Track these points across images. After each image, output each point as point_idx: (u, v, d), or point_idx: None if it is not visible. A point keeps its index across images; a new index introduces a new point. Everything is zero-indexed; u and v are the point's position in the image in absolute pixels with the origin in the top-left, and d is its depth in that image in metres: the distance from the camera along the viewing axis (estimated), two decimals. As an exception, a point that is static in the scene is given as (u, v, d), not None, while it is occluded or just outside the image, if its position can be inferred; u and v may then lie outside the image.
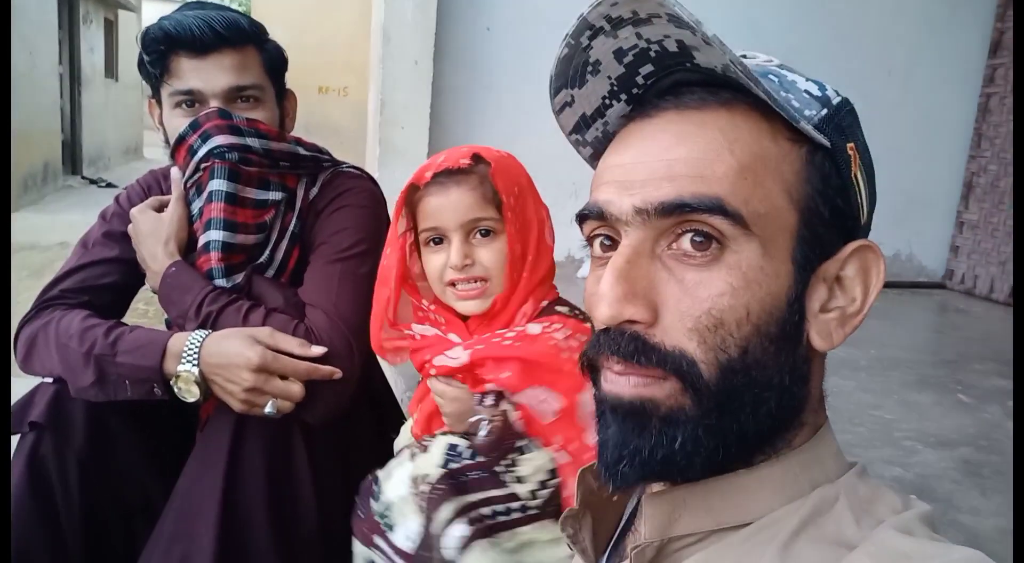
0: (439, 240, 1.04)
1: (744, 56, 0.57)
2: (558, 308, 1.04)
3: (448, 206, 1.01)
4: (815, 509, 0.50)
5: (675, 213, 0.50)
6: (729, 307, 0.49)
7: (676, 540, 0.54)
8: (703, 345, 0.50)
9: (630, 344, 0.51)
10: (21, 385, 1.31)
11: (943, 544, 0.45)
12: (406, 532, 0.94)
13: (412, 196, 1.05)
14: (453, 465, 0.95)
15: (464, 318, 1.08)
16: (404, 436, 1.15)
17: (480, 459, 0.96)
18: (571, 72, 0.58)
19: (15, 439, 1.22)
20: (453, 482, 0.93)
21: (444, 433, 1.02)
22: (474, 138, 3.30)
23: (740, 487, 0.53)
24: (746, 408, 0.50)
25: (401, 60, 3.17)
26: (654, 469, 0.51)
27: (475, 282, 1.03)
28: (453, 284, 1.04)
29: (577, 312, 1.04)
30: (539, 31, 3.28)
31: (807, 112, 0.53)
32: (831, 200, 0.53)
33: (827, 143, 0.53)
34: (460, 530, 0.90)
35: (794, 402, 0.53)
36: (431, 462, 0.97)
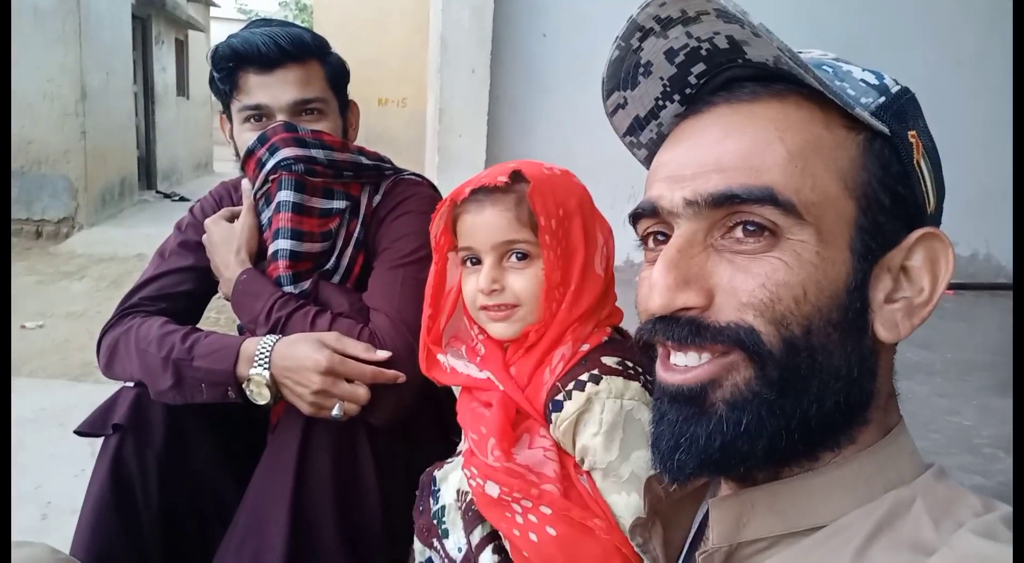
0: (476, 261, 0.97)
1: (800, 52, 0.56)
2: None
3: (481, 226, 0.94)
4: (891, 512, 0.49)
5: (725, 204, 0.50)
6: (784, 283, 0.49)
7: (745, 546, 0.53)
8: (761, 317, 0.49)
9: (684, 328, 0.51)
10: (103, 391, 1.38)
11: None
12: (456, 542, 0.93)
13: (454, 211, 0.98)
14: None
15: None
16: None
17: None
18: (623, 74, 0.59)
19: (99, 442, 1.28)
20: None
21: None
22: (531, 144, 3.31)
23: (809, 489, 0.52)
24: (811, 393, 0.49)
25: (458, 69, 3.21)
26: (712, 456, 0.50)
27: (504, 309, 0.95)
28: (486, 309, 0.97)
29: (629, 366, 0.90)
30: (594, 36, 3.27)
31: (863, 100, 0.52)
32: (892, 188, 0.51)
33: (886, 130, 0.51)
34: (488, 558, 0.88)
35: (861, 396, 0.51)
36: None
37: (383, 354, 1.20)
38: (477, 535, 0.91)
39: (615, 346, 0.93)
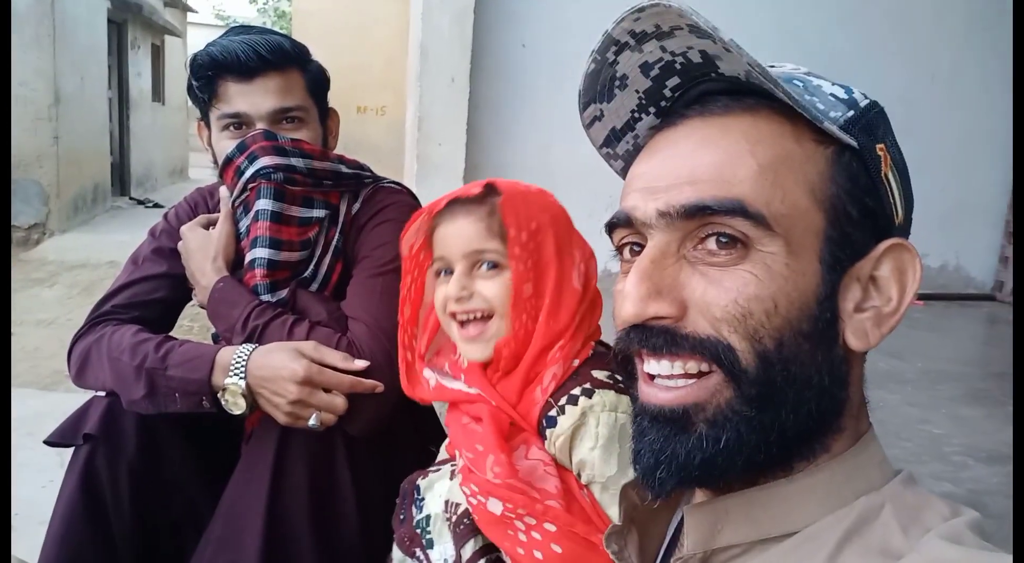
0: (449, 271, 0.98)
1: (772, 66, 0.58)
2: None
3: (453, 234, 0.96)
4: (860, 518, 0.50)
5: (697, 215, 0.51)
6: (755, 296, 0.50)
7: (720, 552, 0.54)
8: (736, 333, 0.50)
9: (659, 337, 0.52)
10: (74, 400, 1.36)
11: (994, 553, 0.45)
12: (442, 553, 0.93)
13: (431, 224, 1.00)
14: None
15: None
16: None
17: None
18: (599, 87, 0.60)
19: (69, 452, 1.26)
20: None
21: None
22: (510, 153, 3.32)
23: (782, 496, 0.52)
24: (787, 405, 0.50)
25: (438, 77, 3.21)
26: (692, 473, 0.51)
27: (476, 316, 0.95)
28: (455, 317, 0.97)
29: (619, 379, 0.89)
30: (574, 46, 3.29)
31: (832, 113, 0.54)
32: (860, 200, 0.53)
33: (854, 143, 0.53)
34: None
35: (834, 405, 0.52)
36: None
37: (361, 363, 1.19)
38: (469, 549, 0.90)
39: (603, 360, 0.93)
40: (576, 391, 0.89)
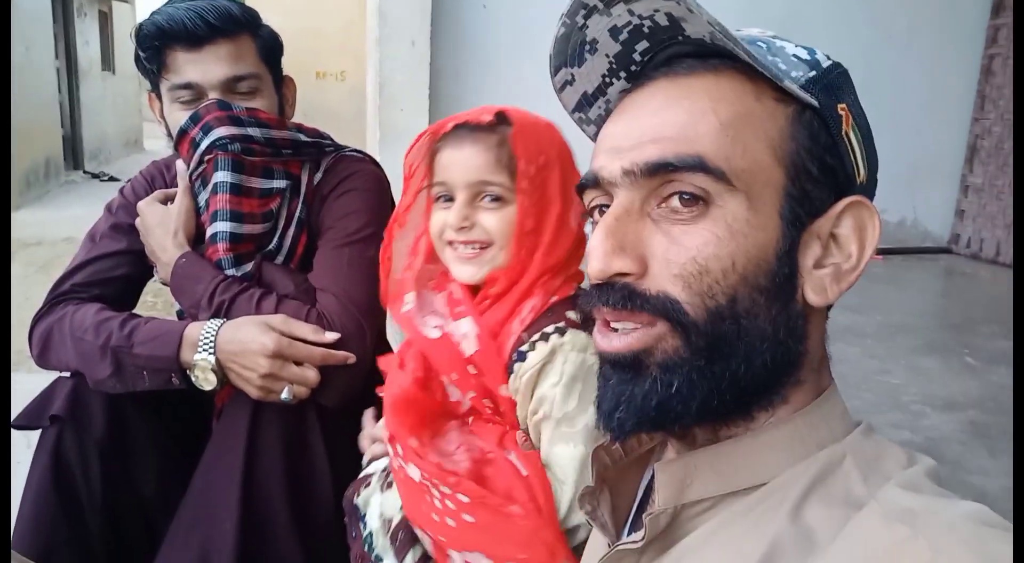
0: (449, 197, 0.96)
1: (738, 31, 0.58)
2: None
3: (458, 162, 0.93)
4: (823, 469, 0.51)
5: (659, 172, 0.52)
6: (714, 255, 0.51)
7: (689, 507, 0.55)
8: (688, 290, 0.52)
9: (619, 294, 0.53)
10: (38, 381, 1.33)
11: (949, 499, 0.47)
12: None
13: (434, 145, 0.97)
14: None
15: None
16: (379, 429, 1.07)
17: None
18: (569, 51, 0.60)
19: (36, 434, 1.24)
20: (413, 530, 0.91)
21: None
22: (474, 118, 3.29)
23: (747, 449, 0.54)
24: (739, 356, 0.52)
25: (398, 41, 3.15)
26: (649, 414, 0.53)
27: (474, 246, 0.95)
28: (452, 244, 0.96)
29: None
30: (536, 8, 3.25)
31: (793, 73, 0.54)
32: (820, 157, 0.53)
33: (815, 102, 0.53)
34: None
35: (789, 357, 0.54)
36: (395, 505, 0.95)
37: (332, 336, 1.19)
38: (410, 559, 0.91)
39: (579, 300, 0.94)
40: (549, 329, 0.90)
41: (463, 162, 0.93)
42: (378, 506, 0.98)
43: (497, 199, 0.94)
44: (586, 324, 0.59)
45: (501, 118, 0.93)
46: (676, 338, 0.52)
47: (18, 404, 1.27)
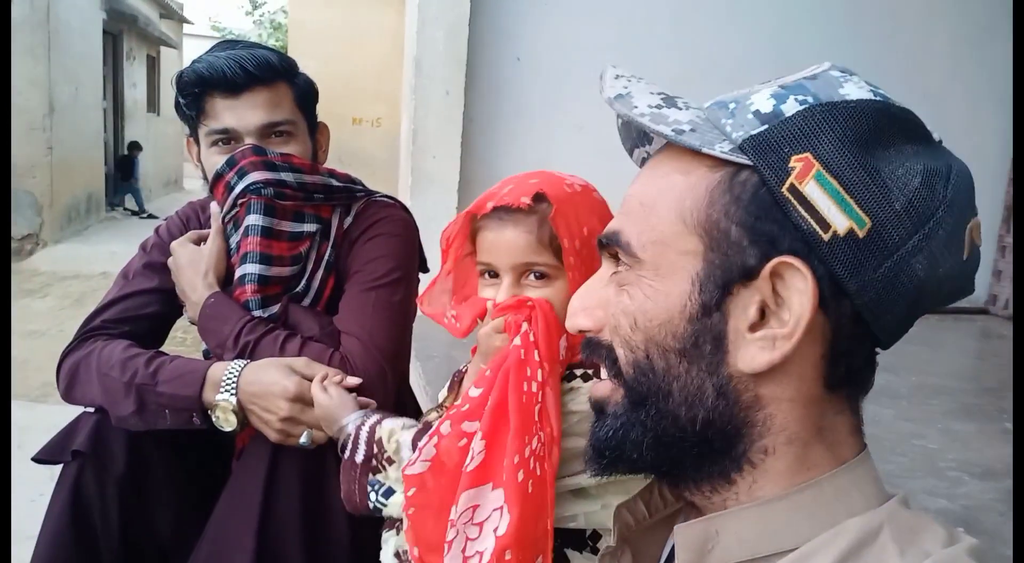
0: (494, 274, 0.98)
1: (768, 82, 0.58)
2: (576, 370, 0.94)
3: (501, 245, 0.94)
4: (858, 540, 0.49)
5: (607, 244, 0.60)
6: (623, 311, 0.57)
7: None
8: (616, 338, 0.58)
9: (586, 346, 0.62)
10: (63, 412, 1.34)
11: None
12: None
13: (474, 223, 0.98)
14: None
15: None
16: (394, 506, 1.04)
17: None
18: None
19: (57, 469, 1.24)
20: None
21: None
22: (504, 166, 3.33)
23: (770, 516, 0.52)
24: (665, 414, 0.55)
25: (433, 90, 3.22)
26: (604, 453, 0.59)
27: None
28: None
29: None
30: (568, 59, 3.32)
31: (735, 134, 0.52)
32: (743, 220, 0.51)
33: (747, 161, 0.51)
34: None
35: (731, 421, 0.54)
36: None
37: (354, 380, 1.18)
38: None
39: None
40: (578, 371, 0.95)
41: (505, 244, 0.94)
42: (391, 548, 0.98)
43: (543, 276, 0.95)
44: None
45: (539, 198, 0.92)
46: (619, 390, 0.59)
47: (42, 436, 1.28)
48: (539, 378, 0.88)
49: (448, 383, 1.10)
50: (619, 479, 0.90)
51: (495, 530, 0.83)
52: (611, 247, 0.59)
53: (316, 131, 1.40)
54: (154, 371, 1.19)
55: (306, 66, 1.39)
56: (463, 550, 0.84)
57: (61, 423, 1.28)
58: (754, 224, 0.51)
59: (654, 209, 0.56)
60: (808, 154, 0.50)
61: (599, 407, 0.61)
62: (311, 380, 1.16)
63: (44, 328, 4.85)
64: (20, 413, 3.26)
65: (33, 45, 7.40)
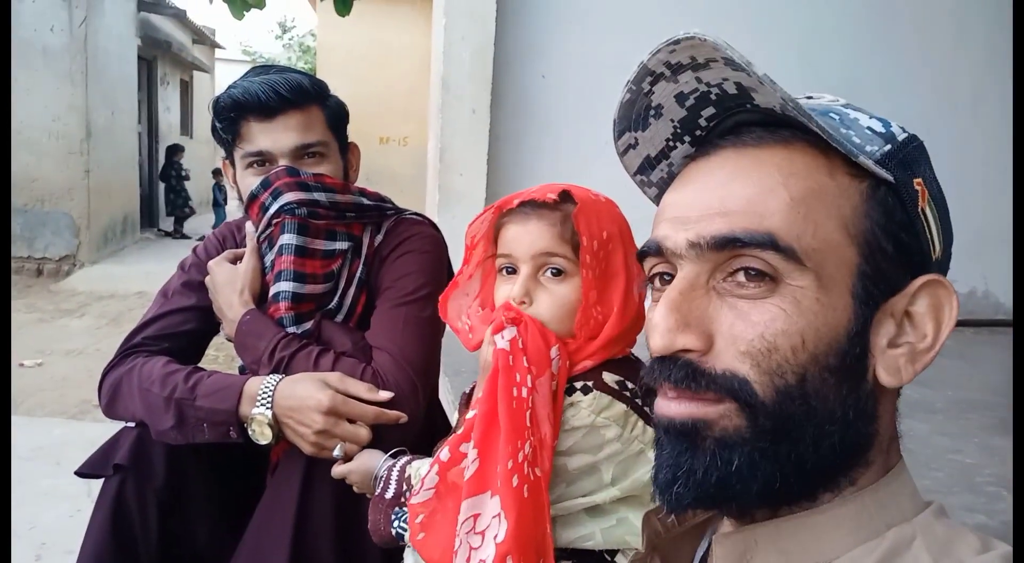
0: (512, 270, 0.99)
1: (810, 97, 0.58)
2: (607, 375, 0.94)
3: (523, 236, 0.96)
4: (892, 550, 0.49)
5: (727, 247, 0.51)
6: (783, 332, 0.49)
7: None
8: (756, 368, 0.50)
9: (682, 371, 0.52)
10: (100, 429, 1.38)
11: None
12: None
13: (498, 221, 1.01)
14: None
15: None
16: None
17: None
18: (634, 116, 0.60)
19: (96, 484, 1.27)
20: None
21: None
22: (531, 183, 3.34)
23: (811, 527, 0.52)
24: (806, 438, 0.50)
25: (459, 109, 3.26)
26: (708, 491, 0.51)
27: None
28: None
29: (628, 387, 0.93)
30: (593, 77, 3.35)
31: (868, 148, 0.53)
32: (895, 235, 0.52)
33: (890, 178, 0.52)
34: None
35: (859, 439, 0.52)
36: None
37: (385, 395, 1.20)
38: None
39: (623, 365, 0.96)
40: (578, 384, 0.93)
41: (527, 235, 0.96)
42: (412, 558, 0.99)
43: (559, 273, 0.96)
44: (647, 396, 0.57)
45: (565, 196, 0.96)
46: (741, 418, 0.50)
47: (81, 453, 1.31)
48: (528, 383, 0.89)
49: (457, 404, 1.11)
50: (634, 492, 0.91)
51: (495, 537, 0.83)
52: (735, 250, 0.51)
53: (347, 151, 1.43)
54: (193, 386, 1.22)
55: (334, 88, 1.42)
56: (467, 560, 0.84)
57: (99, 439, 1.31)
58: (899, 239, 0.52)
59: (811, 211, 0.51)
60: (921, 179, 0.54)
61: (690, 430, 0.52)
62: (344, 394, 1.18)
63: (82, 347, 4.95)
64: (59, 430, 3.33)
65: (72, 71, 7.62)
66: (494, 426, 0.88)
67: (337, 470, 1.14)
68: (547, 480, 0.88)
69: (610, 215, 0.98)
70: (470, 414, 0.93)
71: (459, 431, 0.94)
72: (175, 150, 11.43)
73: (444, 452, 0.94)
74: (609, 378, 0.93)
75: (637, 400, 0.92)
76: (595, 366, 0.95)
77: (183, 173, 11.37)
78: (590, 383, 0.93)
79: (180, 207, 11.25)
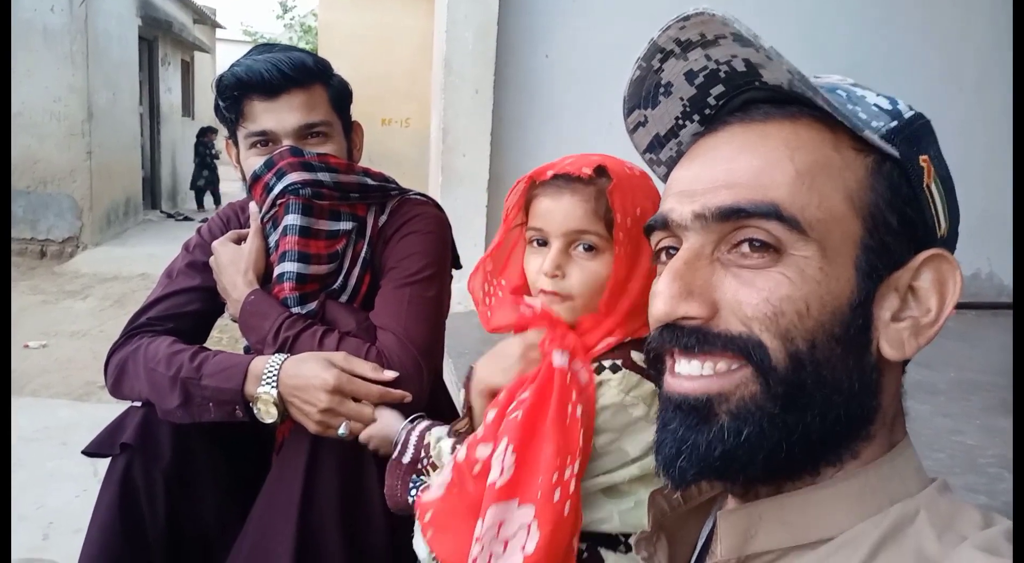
0: (543, 242, 0.98)
1: (818, 77, 0.58)
2: (635, 353, 0.93)
3: (556, 211, 0.95)
4: (895, 525, 0.50)
5: (732, 218, 0.52)
6: (787, 297, 0.50)
7: (754, 558, 0.54)
8: (767, 332, 0.50)
9: (691, 336, 0.52)
10: (105, 410, 1.38)
11: None
12: None
13: (531, 191, 0.99)
14: None
15: None
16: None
17: None
18: (643, 93, 0.61)
19: (103, 464, 1.28)
20: None
21: None
22: (534, 163, 3.33)
23: (816, 501, 0.52)
24: (814, 408, 0.50)
25: (462, 89, 3.25)
26: (713, 464, 0.51)
27: (559, 298, 0.97)
28: (543, 292, 0.98)
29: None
30: (596, 57, 3.33)
31: (874, 124, 0.54)
32: (899, 209, 0.53)
33: (895, 153, 0.53)
34: None
35: (863, 412, 0.52)
36: None
37: (390, 374, 1.21)
38: None
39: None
40: (606, 363, 0.93)
41: (561, 210, 0.95)
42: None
43: (591, 249, 0.95)
44: (656, 363, 0.57)
45: (600, 171, 0.94)
46: (756, 383, 0.51)
47: (86, 434, 1.32)
48: (581, 402, 0.88)
49: (461, 385, 1.11)
50: (653, 472, 0.91)
51: (522, 547, 0.83)
52: (739, 221, 0.52)
53: (351, 131, 1.42)
54: (198, 365, 1.23)
55: (336, 68, 1.41)
56: None
57: (104, 420, 1.32)
58: (904, 214, 0.53)
59: (815, 183, 0.51)
60: (927, 156, 0.54)
61: (704, 406, 0.52)
62: (350, 374, 1.18)
63: (86, 328, 4.97)
64: (64, 411, 3.35)
65: (72, 53, 7.57)
66: (537, 436, 0.87)
67: (362, 435, 1.16)
68: (579, 495, 0.87)
69: (644, 190, 0.96)
70: (490, 416, 0.92)
71: (479, 433, 0.93)
72: (207, 131, 11.81)
73: (461, 452, 0.93)
74: (637, 357, 0.93)
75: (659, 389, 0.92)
76: (619, 344, 0.95)
77: (214, 152, 11.72)
78: (619, 362, 0.93)
79: (214, 184, 11.81)
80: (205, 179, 11.83)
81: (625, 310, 0.95)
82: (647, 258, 0.94)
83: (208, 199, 11.98)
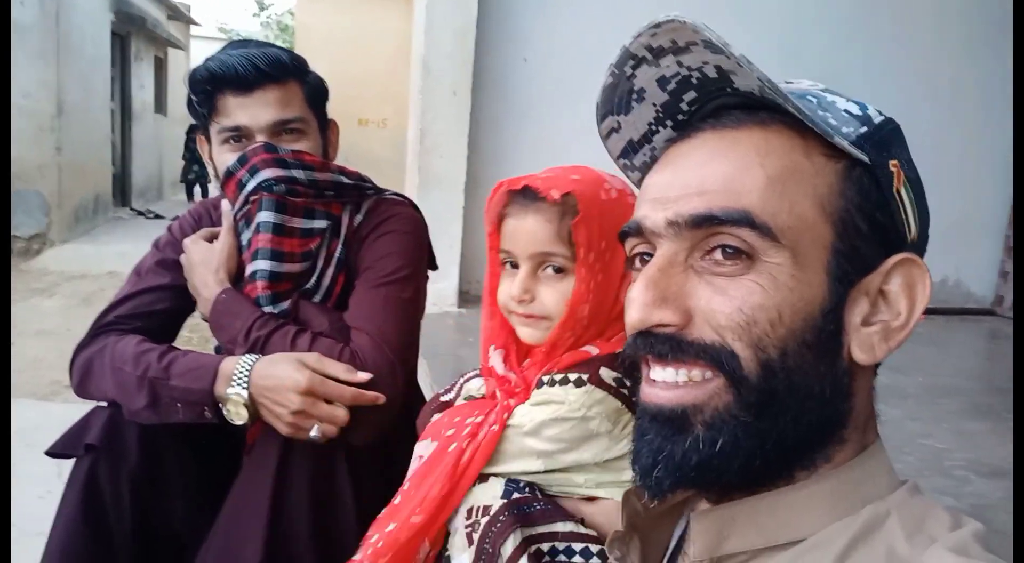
0: (514, 264, 0.97)
1: (789, 82, 0.58)
2: (604, 371, 0.91)
3: (522, 233, 0.94)
4: (866, 526, 0.50)
5: (704, 225, 0.52)
6: (760, 306, 0.50)
7: (726, 559, 0.54)
8: (740, 341, 0.51)
9: (665, 344, 0.53)
10: (71, 412, 1.35)
11: None
12: None
13: (502, 208, 0.98)
14: (516, 496, 0.90)
15: None
16: None
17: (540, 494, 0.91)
18: (616, 100, 0.61)
19: (67, 465, 1.25)
20: (517, 513, 0.89)
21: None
22: (511, 166, 3.34)
23: (789, 503, 0.53)
24: (788, 414, 0.51)
25: (440, 91, 3.24)
26: (688, 474, 0.52)
27: (532, 318, 0.96)
28: (513, 314, 0.98)
29: (625, 384, 0.90)
30: (575, 61, 3.34)
31: (844, 129, 0.54)
32: (870, 215, 0.53)
33: (865, 158, 0.53)
34: None
35: (835, 416, 0.53)
36: (491, 493, 0.92)
37: (364, 375, 1.19)
38: (510, 544, 0.86)
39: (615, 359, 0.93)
40: (572, 376, 0.91)
41: (525, 232, 0.94)
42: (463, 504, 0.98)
43: (560, 270, 0.94)
44: (632, 370, 0.57)
45: (567, 199, 0.91)
46: (729, 393, 0.51)
47: (51, 434, 1.29)
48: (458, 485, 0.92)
49: (434, 388, 1.11)
50: (616, 466, 0.91)
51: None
52: (712, 228, 0.52)
53: (327, 128, 1.41)
54: (167, 365, 1.20)
55: (313, 67, 1.40)
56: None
57: (70, 421, 1.29)
58: (874, 218, 0.53)
59: (786, 189, 0.52)
60: (896, 161, 0.54)
61: (679, 416, 0.52)
62: (322, 375, 1.17)
63: (53, 327, 4.87)
64: (29, 411, 3.27)
65: (43, 48, 7.43)
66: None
67: None
68: None
69: (615, 215, 0.92)
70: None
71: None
72: (197, 128, 11.69)
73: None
74: (607, 374, 0.91)
75: (634, 399, 0.91)
76: (589, 359, 0.93)
77: None
78: (585, 376, 0.91)
79: (203, 178, 11.91)
80: (195, 173, 11.96)
81: (596, 332, 0.94)
82: (616, 283, 0.93)
83: (198, 192, 12.13)
